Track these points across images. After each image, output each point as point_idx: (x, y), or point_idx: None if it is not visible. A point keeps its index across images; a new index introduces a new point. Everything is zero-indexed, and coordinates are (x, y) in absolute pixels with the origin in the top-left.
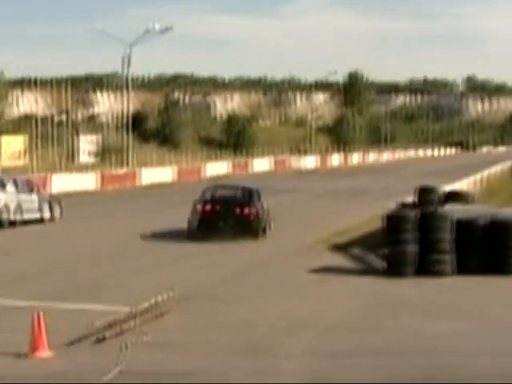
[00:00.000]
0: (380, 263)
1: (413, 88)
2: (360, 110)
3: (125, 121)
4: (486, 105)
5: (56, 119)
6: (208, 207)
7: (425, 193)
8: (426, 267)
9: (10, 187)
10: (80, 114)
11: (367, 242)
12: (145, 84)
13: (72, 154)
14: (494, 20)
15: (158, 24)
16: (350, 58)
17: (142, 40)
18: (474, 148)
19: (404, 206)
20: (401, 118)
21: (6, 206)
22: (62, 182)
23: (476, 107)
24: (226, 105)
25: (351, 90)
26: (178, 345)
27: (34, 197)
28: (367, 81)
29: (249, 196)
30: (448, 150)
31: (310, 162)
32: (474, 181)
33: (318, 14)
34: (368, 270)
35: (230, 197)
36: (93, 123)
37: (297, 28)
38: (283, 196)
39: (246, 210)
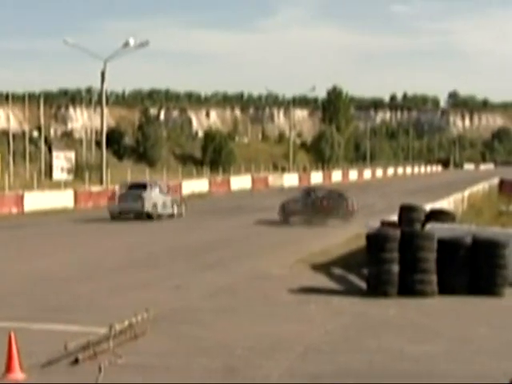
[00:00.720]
0: (362, 283)
1: (393, 104)
2: (340, 126)
3: (100, 137)
4: (469, 122)
5: (29, 136)
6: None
7: (407, 211)
8: (408, 287)
9: (155, 189)
10: (54, 131)
11: (349, 261)
12: (120, 100)
13: (46, 171)
14: (477, 35)
15: (133, 39)
16: (330, 74)
17: (118, 55)
18: (456, 165)
19: (386, 224)
20: (381, 135)
21: (155, 204)
22: (35, 200)
23: (458, 124)
24: (203, 121)
25: (331, 107)
26: (152, 367)
27: (168, 197)
28: (347, 97)
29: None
30: (429, 168)
31: (290, 179)
32: (457, 199)
33: (298, 28)
34: (350, 290)
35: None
36: (67, 140)
37: (276, 43)
38: (262, 214)
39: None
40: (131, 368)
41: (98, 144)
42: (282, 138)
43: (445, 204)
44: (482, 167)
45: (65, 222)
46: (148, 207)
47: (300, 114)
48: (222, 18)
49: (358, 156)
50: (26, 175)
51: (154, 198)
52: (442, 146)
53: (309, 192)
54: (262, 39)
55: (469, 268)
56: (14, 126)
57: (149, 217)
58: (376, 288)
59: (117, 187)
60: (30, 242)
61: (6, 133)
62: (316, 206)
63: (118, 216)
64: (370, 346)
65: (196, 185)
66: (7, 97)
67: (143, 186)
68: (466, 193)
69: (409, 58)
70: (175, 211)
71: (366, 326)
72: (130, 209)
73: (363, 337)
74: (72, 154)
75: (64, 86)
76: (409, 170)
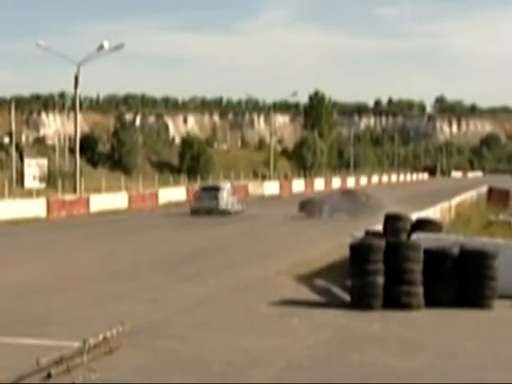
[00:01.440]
0: (345, 295)
1: (378, 110)
2: (322, 132)
3: (73, 144)
4: (456, 128)
5: (0, 142)
6: None
7: (392, 221)
8: (393, 300)
9: (226, 190)
10: (26, 137)
11: (332, 272)
12: (94, 105)
13: (17, 179)
14: (465, 38)
15: (107, 42)
16: (313, 78)
17: (92, 58)
18: (443, 173)
19: (370, 234)
20: (365, 142)
21: (227, 203)
22: (6, 209)
23: (445, 130)
24: (180, 127)
25: (313, 112)
26: (128, 383)
27: (235, 197)
28: (330, 102)
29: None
30: (415, 176)
31: (271, 187)
32: (444, 208)
33: (279, 31)
34: (333, 303)
35: None
36: (39, 146)
37: (257, 46)
38: (242, 224)
39: None
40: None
41: (72, 151)
42: (262, 144)
43: (431, 213)
44: (470, 175)
45: (37, 231)
46: (222, 205)
47: (281, 119)
48: (201, 20)
49: (342, 163)
50: None
51: (226, 198)
52: (429, 153)
53: (348, 192)
54: (242, 42)
55: (456, 279)
56: None
57: (222, 213)
58: (360, 300)
59: (196, 187)
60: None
61: None
62: (360, 204)
63: (197, 212)
64: (354, 361)
65: (173, 193)
66: None
67: (217, 188)
68: (454, 202)
69: (394, 61)
70: (240, 208)
71: (349, 340)
72: (207, 207)
73: (347, 351)
74: (44, 162)
75: (36, 91)
76: (394, 177)
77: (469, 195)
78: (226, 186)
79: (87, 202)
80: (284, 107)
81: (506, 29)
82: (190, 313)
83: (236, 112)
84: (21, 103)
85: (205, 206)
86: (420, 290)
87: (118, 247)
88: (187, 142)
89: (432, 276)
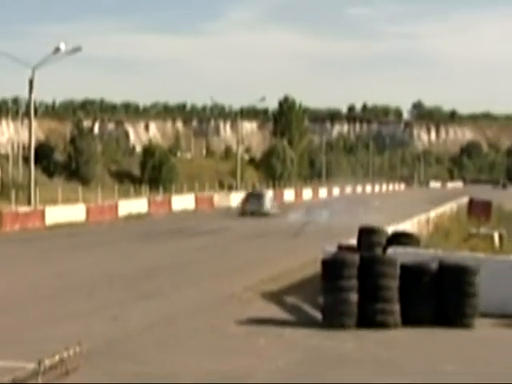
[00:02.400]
0: (317, 314)
1: (352, 116)
2: (292, 140)
3: (28, 152)
4: (435, 135)
5: None
6: None
7: (367, 234)
8: (368, 318)
9: (269, 196)
10: None
11: (303, 289)
12: (50, 111)
13: None
14: (444, 41)
15: (64, 44)
16: (282, 83)
17: (48, 62)
18: (421, 183)
19: (343, 248)
20: (338, 150)
21: (268, 207)
22: None
23: (423, 138)
24: (141, 135)
25: (283, 119)
26: None
27: (275, 202)
28: (300, 108)
29: None
30: (391, 186)
31: (238, 199)
32: (422, 221)
33: (247, 32)
34: (303, 322)
35: None
36: None
37: (223, 48)
38: (208, 238)
39: None
40: None
41: (26, 160)
42: (228, 153)
43: (408, 226)
44: (450, 185)
45: None
46: (265, 209)
47: (249, 126)
48: (164, 20)
49: (313, 173)
50: None
51: (268, 202)
52: (406, 162)
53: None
54: (208, 44)
55: (435, 297)
56: None
57: (264, 215)
58: (332, 319)
59: (243, 194)
60: None
61: None
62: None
63: (245, 214)
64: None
65: (134, 205)
66: None
67: (261, 195)
68: (432, 214)
69: (369, 64)
70: (276, 211)
71: (321, 361)
72: (253, 209)
73: (318, 373)
74: None
75: None
76: (369, 188)
77: (448, 207)
78: (268, 193)
79: (42, 214)
80: (252, 113)
81: (487, 30)
82: (151, 332)
83: (201, 119)
84: None
85: (251, 209)
86: (396, 307)
87: (75, 262)
88: (149, 150)
89: (409, 293)
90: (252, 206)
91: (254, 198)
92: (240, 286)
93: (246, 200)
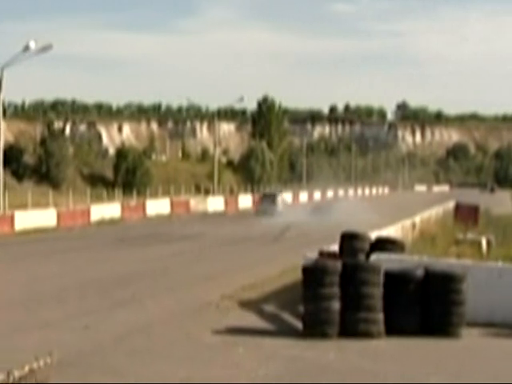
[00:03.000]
0: (297, 323)
1: (334, 117)
2: (272, 142)
3: None
4: (420, 137)
5: None
6: None
7: (349, 240)
8: (350, 327)
9: (280, 197)
10: None
11: (282, 297)
12: (20, 112)
13: None
14: (430, 39)
15: (34, 42)
16: (261, 82)
17: (17, 60)
18: (406, 187)
19: (325, 255)
20: (319, 152)
21: (281, 206)
22: None
23: (408, 140)
24: (114, 136)
25: (262, 120)
26: None
27: (286, 203)
28: (280, 108)
29: None
30: (375, 190)
31: (215, 203)
32: (407, 226)
33: (225, 30)
34: (283, 331)
35: None
36: None
37: (200, 46)
38: (183, 243)
39: None
40: None
41: None
42: (205, 155)
43: (392, 231)
44: (436, 189)
45: None
46: (279, 209)
47: (226, 128)
48: (138, 17)
49: (293, 176)
50: None
51: (280, 202)
52: (390, 165)
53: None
54: (184, 42)
55: (420, 305)
56: None
57: (278, 215)
58: (313, 328)
59: (257, 195)
60: None
61: None
62: None
63: (260, 214)
64: None
65: (107, 210)
66: None
67: (274, 195)
68: (417, 218)
69: (352, 63)
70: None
71: (302, 372)
72: (268, 209)
73: None
74: None
75: None
76: (351, 192)
77: (434, 211)
78: (280, 194)
79: (12, 219)
80: (229, 114)
81: (475, 29)
82: (125, 341)
83: (176, 120)
84: None
85: (264, 209)
86: (380, 316)
87: (45, 269)
88: (122, 152)
89: (393, 301)
90: (264, 206)
91: (267, 198)
92: (217, 294)
93: (260, 200)
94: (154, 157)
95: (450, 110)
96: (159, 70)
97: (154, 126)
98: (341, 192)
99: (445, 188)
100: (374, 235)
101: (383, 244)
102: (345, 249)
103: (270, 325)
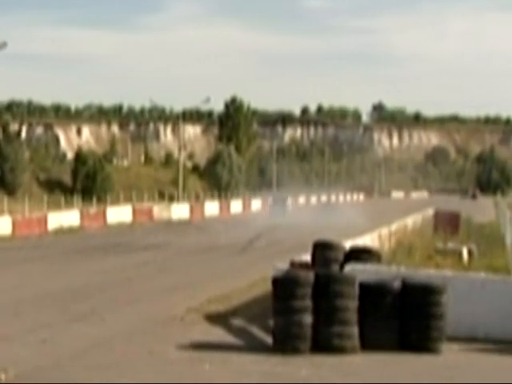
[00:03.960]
0: (267, 337)
1: (306, 119)
2: (240, 146)
3: None
4: (397, 140)
5: None
6: None
7: (322, 249)
8: (323, 342)
9: (289, 200)
10: None
11: (252, 310)
12: None
13: None
14: (408, 36)
15: None
16: (229, 82)
17: None
18: (382, 193)
19: (296, 265)
20: (290, 157)
21: (290, 208)
22: None
23: (384, 143)
24: (73, 140)
25: (229, 122)
26: None
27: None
28: (249, 110)
29: None
30: (349, 196)
31: (180, 210)
32: (383, 235)
33: (190, 27)
34: (252, 346)
35: None
36: None
37: (163, 44)
38: (146, 253)
39: None
40: None
41: None
42: (169, 160)
43: (368, 240)
44: (414, 195)
45: None
46: (288, 209)
47: (191, 130)
48: (98, 14)
49: (263, 182)
50: None
51: (289, 204)
52: (365, 170)
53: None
54: (146, 40)
55: (397, 319)
56: None
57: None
58: (284, 343)
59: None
60: None
61: None
62: None
63: (274, 215)
64: None
65: (65, 217)
66: None
67: (285, 198)
68: (394, 227)
69: (325, 62)
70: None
71: None
72: (281, 210)
73: None
74: None
75: None
76: (324, 198)
77: (412, 219)
78: (287, 197)
79: None
80: (195, 116)
81: (455, 25)
82: (84, 357)
83: (139, 122)
84: None
85: (279, 209)
86: (355, 330)
87: (0, 281)
88: (81, 157)
89: (369, 314)
90: (279, 207)
91: (279, 201)
92: (182, 307)
93: (270, 203)
94: (115, 161)
95: (429, 111)
96: (121, 69)
97: (115, 128)
98: (313, 199)
99: (424, 194)
100: (348, 244)
101: (358, 254)
102: (317, 259)
103: (238, 340)
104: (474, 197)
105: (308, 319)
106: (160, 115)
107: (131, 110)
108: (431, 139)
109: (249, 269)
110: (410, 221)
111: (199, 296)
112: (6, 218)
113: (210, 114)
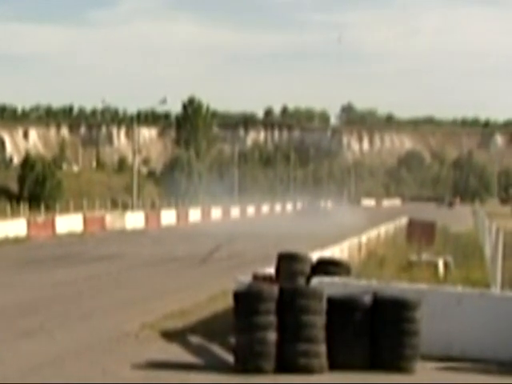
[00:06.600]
0: (228, 356)
1: (269, 121)
2: (199, 150)
3: None
4: (368, 144)
5: None
6: None
7: (287, 261)
8: (288, 361)
9: (320, 201)
10: None
11: (211, 326)
12: None
13: None
14: (378, 32)
15: None
16: (187, 82)
17: None
18: (351, 201)
19: (259, 278)
20: (253, 162)
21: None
22: None
23: (354, 147)
24: (19, 143)
25: (187, 125)
26: None
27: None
28: (208, 112)
29: None
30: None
31: (134, 219)
32: (353, 246)
33: (145, 22)
34: (212, 365)
35: None
36: None
37: (115, 41)
38: (98, 265)
39: None
40: None
41: None
42: (123, 165)
43: (337, 252)
44: (386, 203)
45: None
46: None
47: (147, 133)
48: (44, 8)
49: (224, 189)
50: None
51: (323, 205)
52: (333, 176)
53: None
54: (97, 36)
55: (368, 336)
56: None
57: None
58: (246, 362)
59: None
60: None
61: None
62: None
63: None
64: None
65: (10, 227)
66: None
67: (317, 201)
68: (365, 237)
69: (290, 60)
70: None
71: None
72: (314, 210)
73: None
74: None
75: None
76: (289, 206)
77: (384, 229)
78: (318, 199)
79: None
80: (151, 118)
81: (428, 21)
82: (32, 377)
83: (90, 125)
84: None
85: (313, 209)
86: (322, 348)
87: None
88: (28, 162)
89: (338, 331)
90: (311, 207)
91: (311, 203)
92: (137, 323)
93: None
94: (64, 167)
95: (402, 113)
96: (71, 68)
97: (65, 131)
98: (278, 207)
99: (396, 202)
100: (315, 256)
101: (326, 266)
102: (282, 271)
103: (196, 358)
104: (450, 205)
105: (272, 336)
106: (113, 117)
107: (82, 112)
108: (404, 143)
109: (208, 282)
110: (382, 230)
111: (155, 311)
112: None
113: (166, 115)
